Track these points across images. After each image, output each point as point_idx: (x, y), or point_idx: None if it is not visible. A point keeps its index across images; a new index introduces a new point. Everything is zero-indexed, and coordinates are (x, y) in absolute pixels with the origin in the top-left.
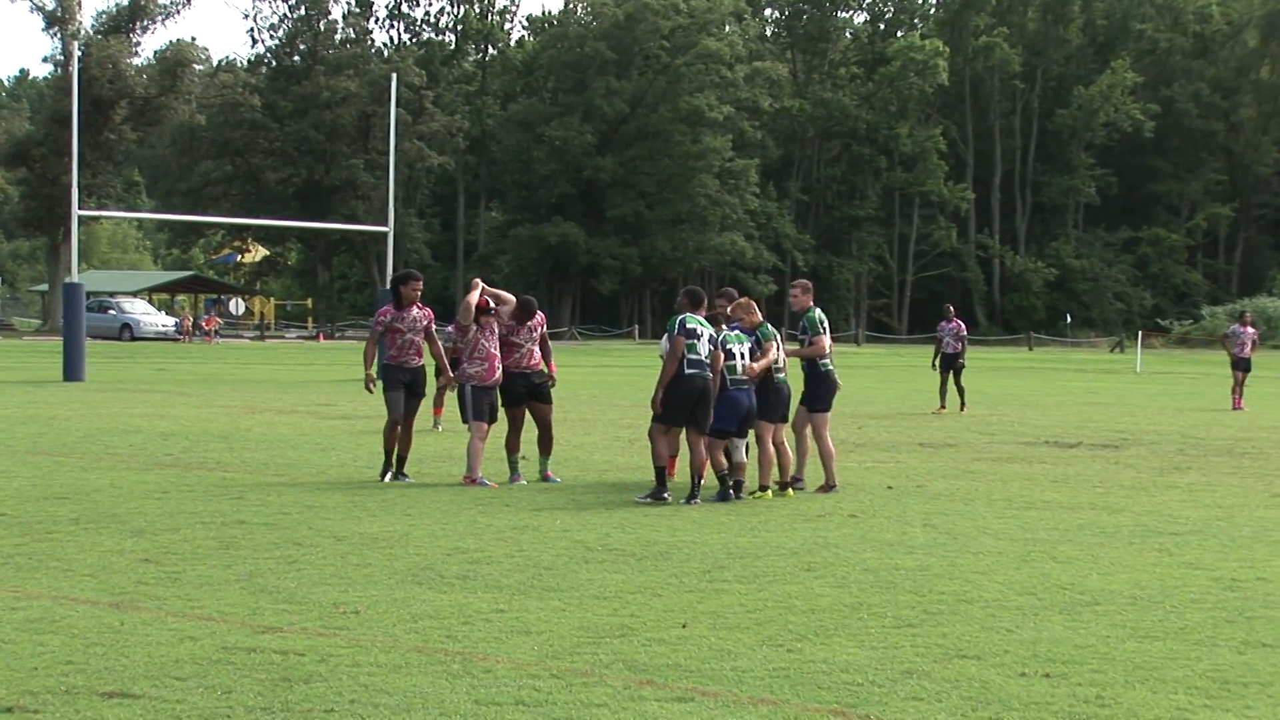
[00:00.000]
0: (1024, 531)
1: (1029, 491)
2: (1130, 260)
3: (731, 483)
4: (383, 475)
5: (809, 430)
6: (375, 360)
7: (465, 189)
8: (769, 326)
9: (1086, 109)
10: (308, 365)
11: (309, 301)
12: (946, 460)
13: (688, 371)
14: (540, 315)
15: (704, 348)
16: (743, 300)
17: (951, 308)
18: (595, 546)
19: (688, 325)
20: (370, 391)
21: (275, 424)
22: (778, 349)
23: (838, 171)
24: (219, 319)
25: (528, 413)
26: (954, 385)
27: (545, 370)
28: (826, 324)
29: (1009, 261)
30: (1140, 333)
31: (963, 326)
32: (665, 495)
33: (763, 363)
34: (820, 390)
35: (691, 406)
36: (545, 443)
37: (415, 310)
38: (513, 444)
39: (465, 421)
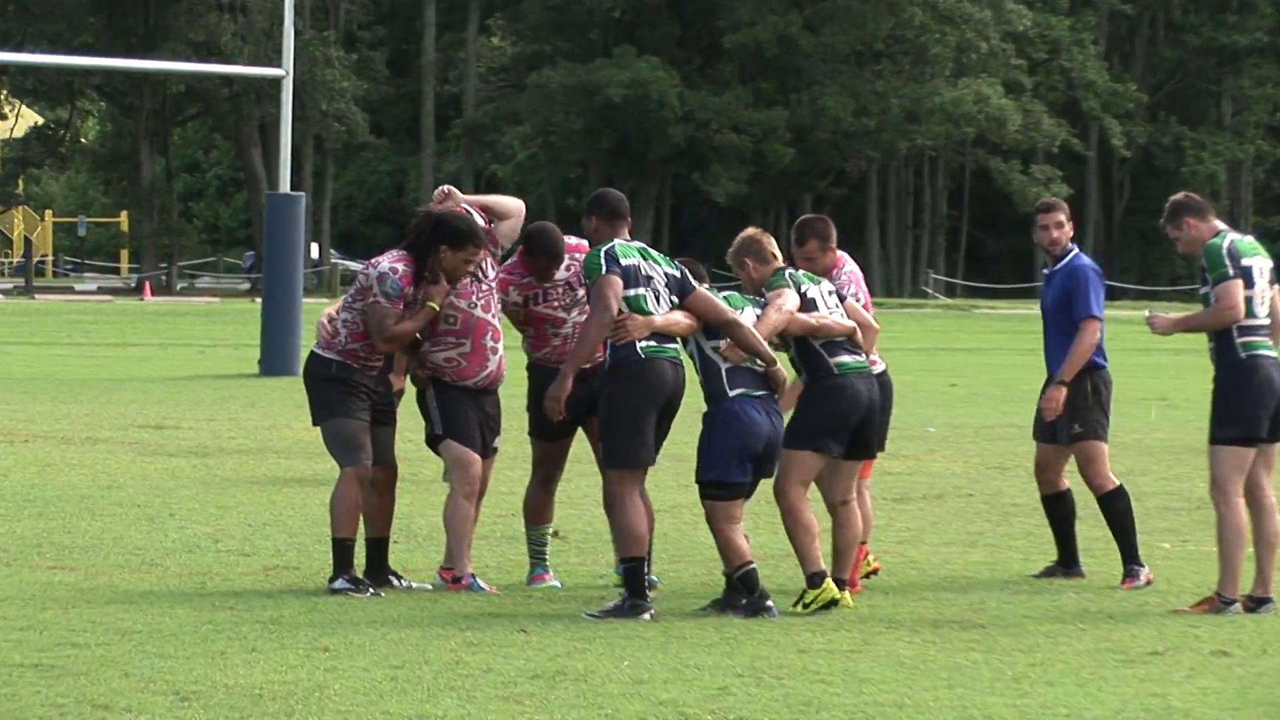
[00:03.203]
0: None
1: None
2: None
3: (725, 574)
4: (338, 581)
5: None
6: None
7: None
8: (786, 273)
9: None
10: (120, 347)
11: (122, 219)
12: None
13: (643, 350)
14: (580, 248)
15: (657, 303)
16: (749, 234)
17: None
18: (700, 714)
19: (622, 258)
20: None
21: (56, 464)
22: (810, 303)
23: None
24: None
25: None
26: None
27: None
28: (1261, 261)
29: None
30: None
31: None
32: (647, 610)
33: (769, 323)
34: (1231, 397)
35: (658, 417)
36: None
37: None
38: (540, 507)
39: (434, 448)
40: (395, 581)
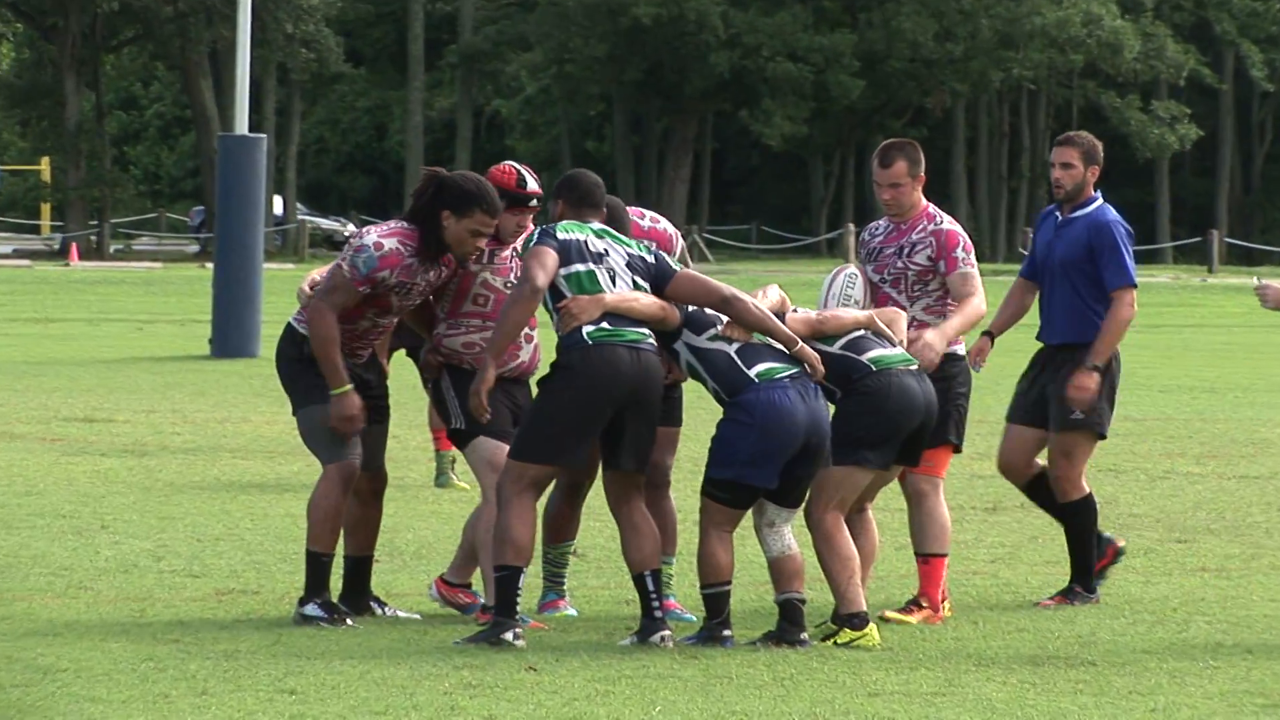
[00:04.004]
0: None
1: None
2: None
3: (777, 602)
4: (309, 605)
5: None
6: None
7: None
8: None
9: None
10: (41, 323)
11: (43, 166)
12: None
13: (589, 335)
14: (641, 216)
15: (612, 284)
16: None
17: None
18: None
19: (560, 233)
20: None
21: None
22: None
23: None
24: None
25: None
26: None
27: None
28: None
29: None
30: None
31: None
32: (512, 628)
33: (768, 302)
34: None
35: (610, 415)
36: (660, 526)
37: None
38: (563, 522)
39: (460, 445)
40: (377, 609)
